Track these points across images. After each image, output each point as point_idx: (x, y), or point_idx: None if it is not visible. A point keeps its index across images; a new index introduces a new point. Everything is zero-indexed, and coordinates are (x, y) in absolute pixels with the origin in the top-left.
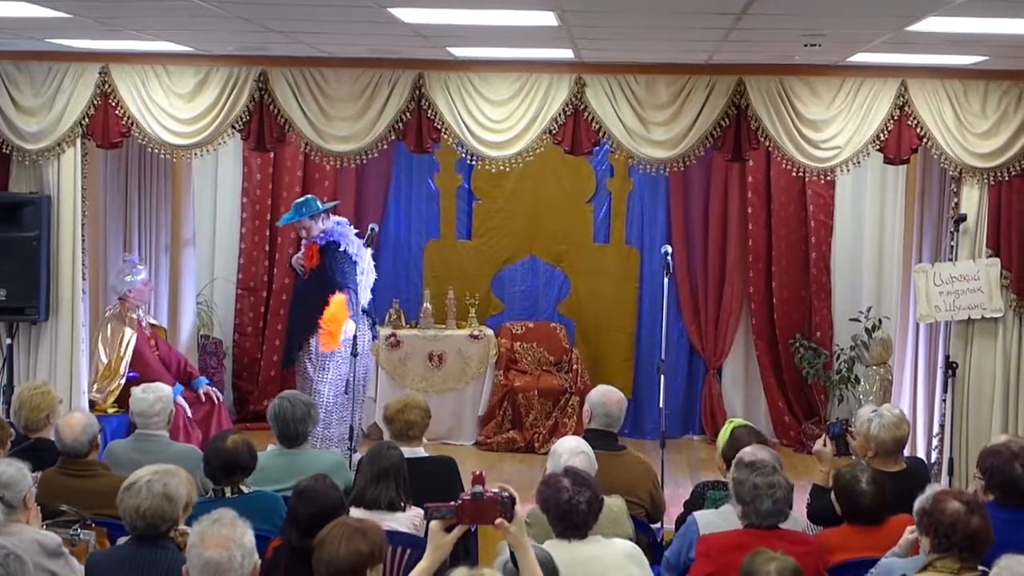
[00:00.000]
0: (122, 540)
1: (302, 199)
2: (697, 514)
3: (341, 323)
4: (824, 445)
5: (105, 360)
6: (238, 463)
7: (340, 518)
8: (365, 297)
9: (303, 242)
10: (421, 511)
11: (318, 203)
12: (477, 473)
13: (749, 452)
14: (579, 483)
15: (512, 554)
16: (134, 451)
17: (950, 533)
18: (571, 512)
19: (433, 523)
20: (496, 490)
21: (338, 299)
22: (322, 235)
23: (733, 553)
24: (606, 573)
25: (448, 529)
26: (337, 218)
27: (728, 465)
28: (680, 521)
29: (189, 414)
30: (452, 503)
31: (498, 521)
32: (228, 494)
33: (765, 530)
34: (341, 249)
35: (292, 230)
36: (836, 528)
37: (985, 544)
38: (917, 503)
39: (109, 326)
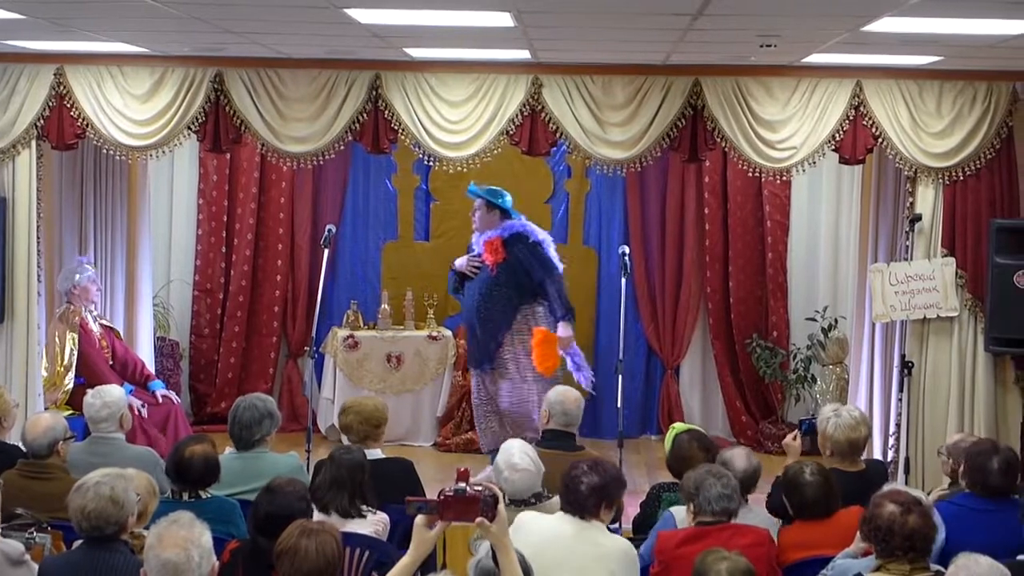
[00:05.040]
0: (77, 543)
1: (499, 189)
2: (673, 509)
3: (555, 354)
4: (794, 439)
5: (47, 373)
6: (192, 473)
7: (298, 521)
8: None
9: (475, 241)
10: (386, 517)
11: (507, 201)
12: (462, 470)
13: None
14: (594, 469)
15: (494, 553)
16: (89, 454)
17: (888, 537)
18: (569, 488)
19: (418, 518)
20: (480, 488)
21: (540, 336)
22: (503, 228)
23: (683, 547)
24: (602, 558)
25: (430, 526)
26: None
27: (674, 473)
28: (637, 521)
29: (142, 414)
30: (435, 499)
31: (478, 520)
32: (186, 497)
33: (714, 525)
34: (531, 240)
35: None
36: (788, 527)
37: (926, 541)
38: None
39: (56, 334)
